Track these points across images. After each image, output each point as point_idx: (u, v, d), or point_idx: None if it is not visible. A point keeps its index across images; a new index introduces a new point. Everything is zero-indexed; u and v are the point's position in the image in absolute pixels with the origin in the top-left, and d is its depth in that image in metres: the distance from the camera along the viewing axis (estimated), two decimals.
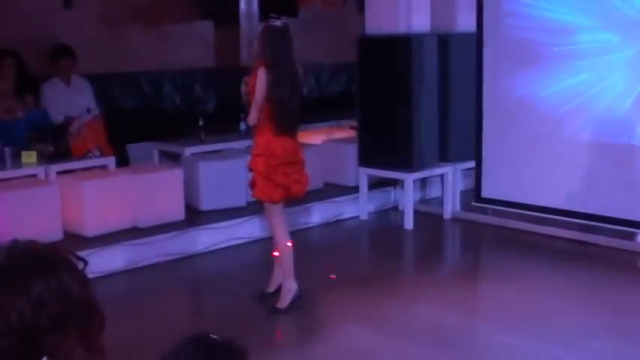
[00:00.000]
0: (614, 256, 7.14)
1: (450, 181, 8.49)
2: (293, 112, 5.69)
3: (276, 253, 6.00)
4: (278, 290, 5.98)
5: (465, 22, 8.50)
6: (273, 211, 5.82)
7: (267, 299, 6.01)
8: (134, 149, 9.13)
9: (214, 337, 1.89)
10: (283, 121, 5.65)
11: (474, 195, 8.34)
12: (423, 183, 9.08)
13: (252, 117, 5.67)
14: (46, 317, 1.63)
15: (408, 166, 8.12)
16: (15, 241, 1.72)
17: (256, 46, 5.68)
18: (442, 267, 7.50)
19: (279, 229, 5.87)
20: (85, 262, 1.76)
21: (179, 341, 1.86)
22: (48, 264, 1.68)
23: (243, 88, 5.84)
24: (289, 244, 5.88)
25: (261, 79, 5.53)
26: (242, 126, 8.91)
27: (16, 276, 1.64)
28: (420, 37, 8.01)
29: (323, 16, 12.39)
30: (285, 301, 5.86)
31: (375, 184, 8.76)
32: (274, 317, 5.82)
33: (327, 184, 8.81)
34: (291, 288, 5.87)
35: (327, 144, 9.36)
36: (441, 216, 8.56)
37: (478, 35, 8.03)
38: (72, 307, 1.66)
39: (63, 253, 1.74)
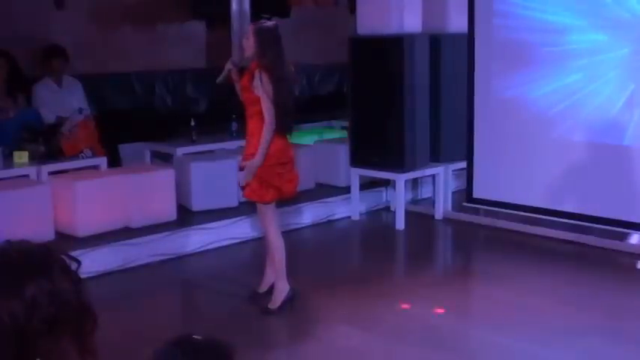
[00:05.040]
0: (605, 256, 7.16)
1: (441, 181, 8.50)
2: (290, 113, 5.71)
3: None
4: (270, 291, 5.98)
5: (456, 22, 8.51)
6: (265, 211, 5.82)
7: (259, 299, 6.01)
8: (126, 149, 9.13)
9: (198, 337, 1.88)
10: (283, 124, 5.66)
11: (465, 195, 8.36)
12: (415, 183, 9.09)
13: (271, 121, 5.59)
14: (39, 319, 1.62)
15: (400, 166, 8.13)
16: (8, 242, 1.72)
17: (247, 47, 5.67)
18: (433, 267, 7.52)
19: (271, 229, 5.87)
20: (79, 263, 1.75)
21: (163, 346, 1.84)
22: (41, 265, 1.67)
23: (228, 65, 5.83)
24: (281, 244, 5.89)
25: (266, 85, 5.51)
26: (233, 126, 8.93)
27: (10, 278, 1.64)
28: (411, 38, 8.02)
29: (314, 16, 12.39)
30: (277, 301, 5.86)
31: (367, 185, 8.77)
32: (266, 317, 5.81)
33: (318, 185, 8.83)
34: (283, 289, 5.87)
35: (319, 144, 9.37)
36: (433, 216, 8.57)
37: (469, 36, 8.05)
38: (65, 309, 1.66)
39: (56, 253, 1.73)
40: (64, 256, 1.74)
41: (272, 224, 5.87)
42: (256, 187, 5.66)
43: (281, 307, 5.86)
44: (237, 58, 5.75)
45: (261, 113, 5.58)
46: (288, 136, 5.81)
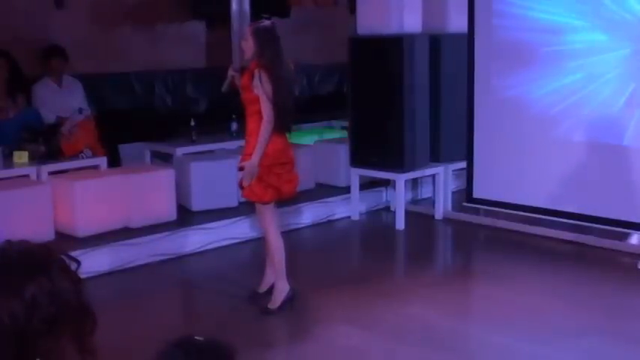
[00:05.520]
0: (605, 256, 7.16)
1: (441, 181, 8.50)
2: (290, 112, 5.72)
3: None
4: (269, 291, 5.98)
5: (456, 22, 8.50)
6: (264, 211, 5.82)
7: (259, 299, 6.01)
8: (125, 149, 9.13)
9: (199, 338, 1.88)
10: (283, 123, 5.68)
11: (465, 195, 8.36)
12: (415, 183, 9.09)
13: (269, 120, 5.61)
14: (38, 319, 1.62)
15: (400, 166, 8.13)
16: (8, 242, 1.72)
17: (246, 49, 5.67)
18: (433, 267, 7.51)
19: (271, 229, 5.87)
20: (78, 263, 1.75)
21: (164, 347, 1.84)
22: (41, 265, 1.67)
23: (231, 72, 5.86)
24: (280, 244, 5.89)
25: (265, 84, 5.52)
26: (233, 126, 8.93)
27: (10, 278, 1.64)
28: (411, 38, 8.02)
29: (314, 16, 12.39)
30: (277, 301, 5.86)
31: (367, 185, 8.77)
32: (266, 317, 5.81)
33: (318, 185, 8.83)
34: (283, 289, 5.87)
35: (319, 144, 9.37)
36: (433, 216, 8.57)
37: (469, 36, 8.04)
38: (65, 309, 1.66)
39: (56, 254, 1.73)
40: (63, 256, 1.74)
41: (271, 224, 5.87)
42: (255, 187, 5.66)
43: (281, 307, 5.85)
44: (238, 64, 5.76)
45: (260, 113, 5.58)
46: (287, 136, 5.82)
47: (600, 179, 7.20)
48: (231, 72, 5.88)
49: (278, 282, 5.89)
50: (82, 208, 7.05)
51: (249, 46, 5.63)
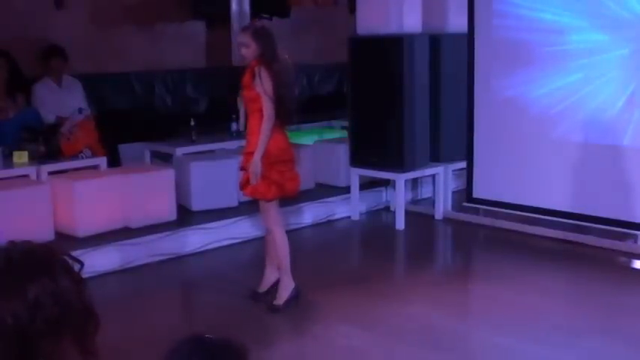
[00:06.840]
0: (605, 256, 7.16)
1: (441, 181, 8.50)
2: (291, 108, 5.74)
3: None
4: (270, 291, 5.99)
5: (456, 22, 8.50)
6: (269, 208, 5.82)
7: (260, 299, 6.02)
8: (125, 149, 9.13)
9: (210, 337, 1.87)
10: (284, 119, 5.71)
11: (465, 195, 8.36)
12: (415, 183, 9.10)
13: (270, 116, 5.61)
14: (41, 320, 1.62)
15: (400, 166, 8.13)
16: (12, 243, 1.72)
17: (248, 54, 5.67)
18: (433, 267, 7.51)
19: (276, 226, 5.88)
20: (82, 264, 1.76)
21: (176, 344, 1.83)
22: (45, 266, 1.67)
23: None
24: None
25: (266, 81, 5.54)
26: (233, 126, 8.93)
27: (13, 278, 1.64)
28: (411, 38, 8.02)
29: (314, 16, 12.39)
30: (282, 297, 5.88)
31: (367, 185, 8.77)
32: (272, 315, 5.81)
33: (318, 185, 8.83)
34: (288, 285, 5.89)
35: (319, 144, 9.37)
36: (433, 216, 8.57)
37: (469, 36, 8.05)
38: (68, 310, 1.66)
39: (59, 254, 1.73)
40: (66, 257, 1.74)
41: (276, 222, 5.88)
42: (259, 184, 5.67)
43: (287, 304, 5.86)
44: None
45: (261, 111, 5.61)
46: (287, 134, 5.84)
47: (600, 179, 7.21)
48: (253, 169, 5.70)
49: (283, 278, 5.90)
50: (82, 208, 7.05)
51: (251, 50, 5.64)
